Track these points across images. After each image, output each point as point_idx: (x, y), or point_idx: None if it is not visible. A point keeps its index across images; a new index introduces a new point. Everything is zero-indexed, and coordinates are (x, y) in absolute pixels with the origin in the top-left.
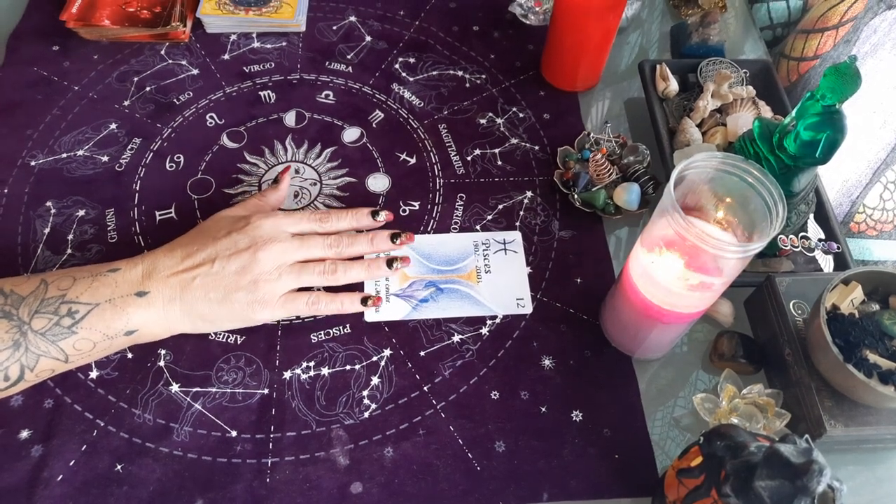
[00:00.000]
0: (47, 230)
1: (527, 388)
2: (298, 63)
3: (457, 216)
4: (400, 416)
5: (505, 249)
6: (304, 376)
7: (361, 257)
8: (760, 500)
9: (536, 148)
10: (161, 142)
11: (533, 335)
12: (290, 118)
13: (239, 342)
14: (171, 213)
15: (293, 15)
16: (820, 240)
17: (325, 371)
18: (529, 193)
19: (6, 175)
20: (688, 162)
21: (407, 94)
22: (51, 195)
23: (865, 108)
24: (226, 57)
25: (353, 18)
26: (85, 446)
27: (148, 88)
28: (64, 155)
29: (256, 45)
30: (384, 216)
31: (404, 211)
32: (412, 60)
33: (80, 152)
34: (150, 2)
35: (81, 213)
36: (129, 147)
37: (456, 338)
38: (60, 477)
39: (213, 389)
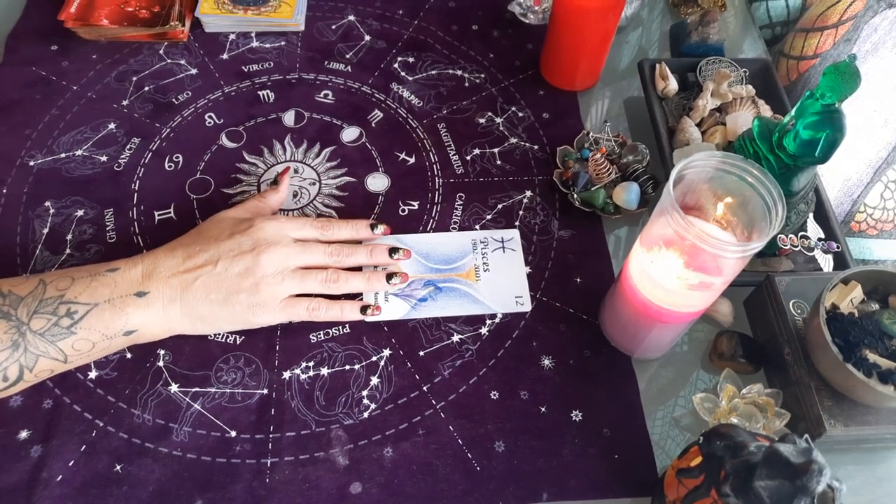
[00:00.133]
0: (46, 230)
1: (526, 387)
2: (297, 62)
3: (456, 216)
4: (399, 416)
5: (503, 248)
6: (303, 376)
7: (359, 268)
8: (760, 499)
9: (536, 147)
10: (160, 141)
11: (532, 335)
12: (288, 118)
13: (238, 342)
14: (169, 212)
15: (292, 14)
16: (819, 239)
17: (324, 371)
18: (529, 193)
19: (5, 175)
20: (687, 161)
21: (406, 94)
22: (49, 195)
23: (866, 107)
24: (224, 56)
25: (351, 18)
26: (84, 446)
27: (147, 88)
28: (63, 155)
29: (255, 44)
30: (381, 230)
31: (403, 211)
32: (411, 60)
33: (79, 152)
34: (149, 1)
35: (80, 213)
36: (127, 147)
37: (455, 338)
38: (60, 477)
39: (213, 389)
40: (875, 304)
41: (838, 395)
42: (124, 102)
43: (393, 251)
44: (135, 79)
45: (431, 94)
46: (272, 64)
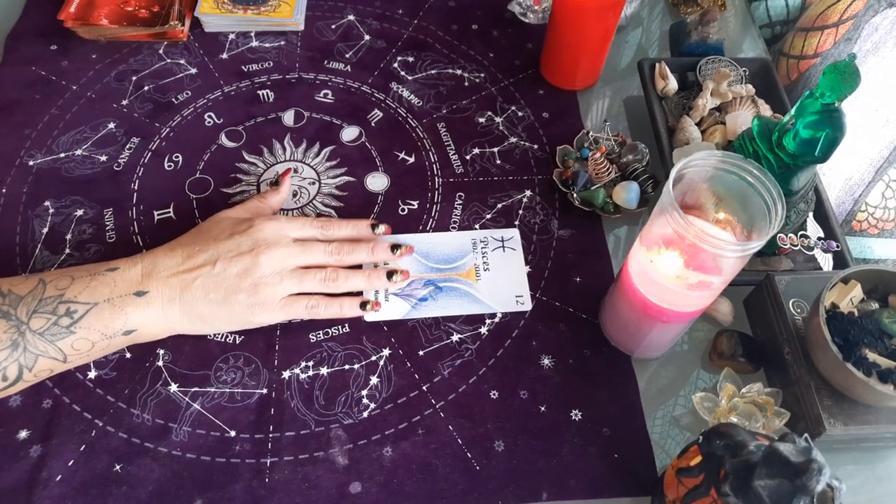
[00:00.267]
0: (45, 230)
1: (526, 387)
2: (297, 62)
3: (456, 215)
4: (399, 415)
5: (503, 247)
6: (302, 376)
7: (360, 266)
8: (760, 499)
9: (535, 147)
10: (159, 141)
11: (532, 334)
12: (288, 117)
13: (238, 342)
14: (169, 212)
15: (292, 14)
16: (819, 238)
17: (323, 371)
18: (528, 192)
19: (4, 175)
20: (687, 160)
21: (406, 93)
22: (49, 195)
23: (867, 106)
24: (224, 56)
25: (351, 17)
26: (84, 446)
27: (146, 88)
28: (62, 154)
29: (255, 44)
30: (382, 230)
31: (403, 210)
32: (411, 59)
33: (79, 152)
34: (149, 1)
35: (80, 212)
36: (127, 146)
37: (455, 337)
38: (59, 477)
39: (212, 389)
40: (875, 304)
41: (838, 395)
42: (124, 102)
43: (395, 247)
44: (134, 78)
45: (431, 93)
46: (272, 63)
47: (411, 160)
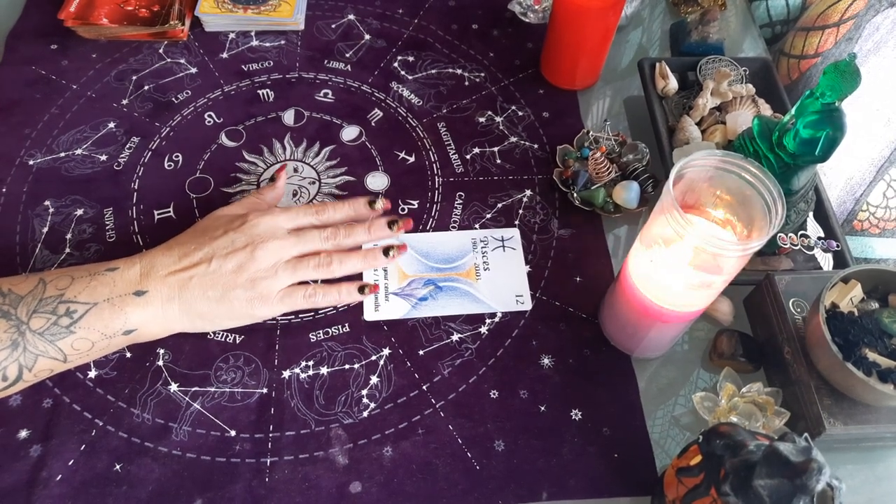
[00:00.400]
0: (46, 229)
1: (526, 387)
2: (297, 61)
3: (456, 215)
4: (399, 415)
5: (503, 246)
6: (302, 375)
7: (360, 248)
8: (759, 498)
9: (536, 146)
10: (159, 141)
11: (532, 334)
12: (288, 117)
13: (238, 341)
14: (169, 212)
15: (292, 13)
16: (819, 238)
17: (323, 370)
18: (528, 192)
19: (4, 174)
20: (687, 160)
21: (406, 93)
22: (49, 194)
23: (869, 106)
24: (224, 55)
25: (351, 17)
26: (84, 446)
27: (146, 87)
28: (62, 154)
29: (255, 43)
30: (381, 204)
31: (403, 210)
32: (411, 59)
33: (79, 151)
34: (149, 0)
35: (80, 212)
36: (127, 146)
37: (455, 337)
38: (59, 477)
39: (212, 389)
40: (875, 303)
41: (838, 394)
42: (124, 101)
43: (392, 223)
44: (134, 78)
45: (431, 93)
46: (272, 63)
47: (411, 160)
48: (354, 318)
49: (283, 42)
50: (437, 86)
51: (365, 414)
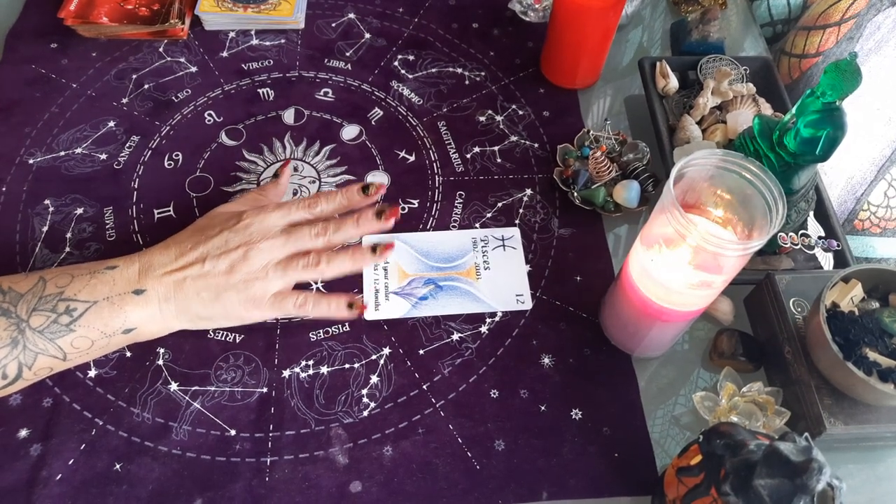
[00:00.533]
0: (45, 228)
1: (526, 386)
2: (297, 60)
3: (456, 214)
4: (399, 414)
5: (504, 246)
6: (303, 375)
7: (359, 242)
8: (760, 498)
9: (536, 145)
10: (159, 139)
11: (532, 333)
12: (288, 116)
13: (238, 341)
14: (169, 211)
15: (292, 12)
16: (820, 237)
17: (324, 370)
18: (529, 191)
19: (4, 173)
20: (688, 159)
21: (406, 92)
22: (49, 193)
23: (869, 105)
24: (224, 54)
25: (351, 16)
26: (84, 445)
27: (146, 86)
28: (62, 153)
29: (255, 42)
30: (373, 189)
31: (403, 209)
32: (411, 58)
33: (79, 150)
34: None
35: (80, 211)
36: (127, 145)
37: (455, 336)
38: (59, 476)
39: (212, 388)
40: (875, 303)
41: (838, 394)
42: (124, 100)
43: (379, 213)
44: (134, 76)
45: (431, 92)
46: (272, 62)
47: (412, 159)
48: (355, 317)
49: (283, 41)
50: (438, 85)
51: (365, 413)
